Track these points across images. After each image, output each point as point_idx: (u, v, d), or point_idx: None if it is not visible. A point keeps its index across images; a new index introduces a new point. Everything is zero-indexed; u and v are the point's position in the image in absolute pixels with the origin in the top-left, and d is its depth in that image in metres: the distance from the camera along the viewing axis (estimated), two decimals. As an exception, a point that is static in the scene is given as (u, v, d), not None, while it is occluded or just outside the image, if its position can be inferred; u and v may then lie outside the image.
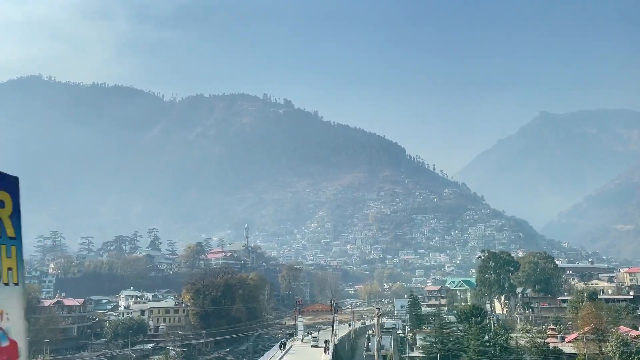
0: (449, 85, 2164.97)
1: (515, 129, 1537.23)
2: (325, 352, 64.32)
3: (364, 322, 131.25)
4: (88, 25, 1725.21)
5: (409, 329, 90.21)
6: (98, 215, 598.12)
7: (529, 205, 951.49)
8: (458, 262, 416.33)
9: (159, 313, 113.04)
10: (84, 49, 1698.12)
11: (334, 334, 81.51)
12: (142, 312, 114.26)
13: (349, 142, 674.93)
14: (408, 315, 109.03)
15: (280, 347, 74.81)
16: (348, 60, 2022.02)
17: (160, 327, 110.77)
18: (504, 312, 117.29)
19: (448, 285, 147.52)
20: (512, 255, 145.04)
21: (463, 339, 57.51)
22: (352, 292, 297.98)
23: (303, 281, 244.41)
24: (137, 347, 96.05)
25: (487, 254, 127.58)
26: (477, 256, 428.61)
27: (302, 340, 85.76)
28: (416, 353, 67.99)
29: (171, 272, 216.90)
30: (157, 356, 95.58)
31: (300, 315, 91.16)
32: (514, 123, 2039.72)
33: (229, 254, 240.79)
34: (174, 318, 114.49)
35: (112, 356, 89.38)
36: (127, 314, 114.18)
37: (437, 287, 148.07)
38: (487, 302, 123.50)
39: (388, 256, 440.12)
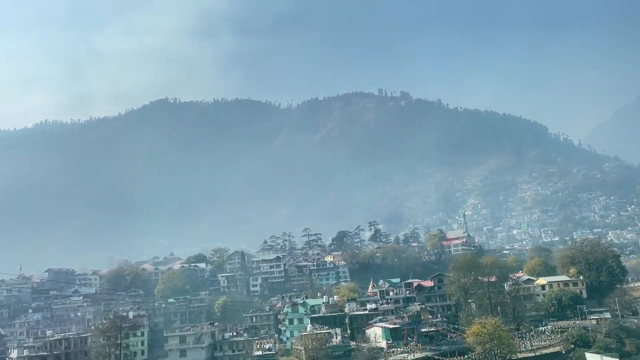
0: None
1: (634, 97, 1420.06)
2: None
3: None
4: (196, 46, 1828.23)
5: None
6: (247, 221, 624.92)
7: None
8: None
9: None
10: (192, 68, 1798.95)
11: None
12: (542, 287, 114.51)
13: (484, 126, 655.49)
14: None
15: None
16: (456, 46, 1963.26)
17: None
18: None
19: None
20: None
21: None
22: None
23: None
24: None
25: None
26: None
27: None
28: None
29: (423, 260, 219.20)
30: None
31: None
32: (633, 90, 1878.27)
33: (464, 240, 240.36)
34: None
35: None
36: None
37: None
38: None
39: (566, 238, 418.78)
